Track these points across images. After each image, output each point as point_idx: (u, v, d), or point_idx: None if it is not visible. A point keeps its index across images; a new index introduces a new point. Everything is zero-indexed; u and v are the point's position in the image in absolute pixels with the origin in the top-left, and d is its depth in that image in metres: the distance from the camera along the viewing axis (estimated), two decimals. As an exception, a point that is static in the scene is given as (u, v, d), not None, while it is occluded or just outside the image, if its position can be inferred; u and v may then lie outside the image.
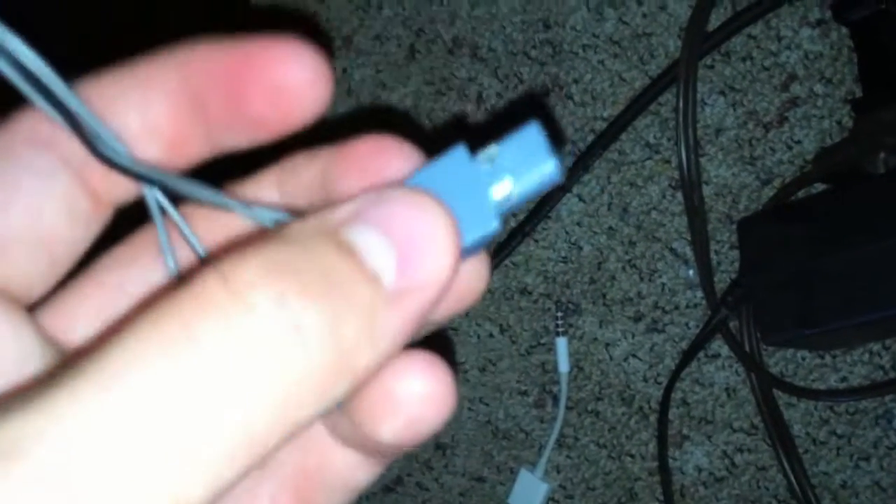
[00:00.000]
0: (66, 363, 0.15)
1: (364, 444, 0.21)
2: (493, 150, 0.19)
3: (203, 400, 0.14)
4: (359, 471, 0.22)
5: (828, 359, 0.58)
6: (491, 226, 0.19)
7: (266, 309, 0.15)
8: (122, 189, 0.20)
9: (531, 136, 0.19)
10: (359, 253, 0.17)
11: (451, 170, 0.19)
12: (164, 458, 0.14)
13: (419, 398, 0.19)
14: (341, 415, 0.21)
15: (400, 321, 0.17)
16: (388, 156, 0.20)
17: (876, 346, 0.56)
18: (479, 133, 0.62)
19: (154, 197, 0.20)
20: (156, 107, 0.19)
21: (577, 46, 0.61)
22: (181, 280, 0.20)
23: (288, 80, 0.19)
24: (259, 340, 0.15)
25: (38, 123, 0.19)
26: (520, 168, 0.19)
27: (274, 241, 0.16)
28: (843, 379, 0.57)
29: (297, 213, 0.20)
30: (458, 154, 0.19)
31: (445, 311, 0.21)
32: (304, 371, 0.15)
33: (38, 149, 0.19)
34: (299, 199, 0.21)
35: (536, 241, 0.63)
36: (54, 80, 0.17)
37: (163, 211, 0.20)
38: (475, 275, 0.21)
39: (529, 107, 0.62)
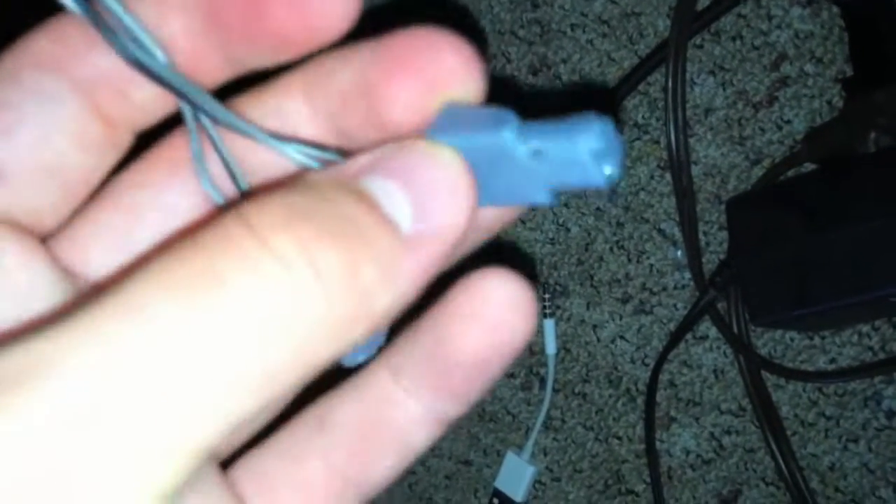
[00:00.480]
0: (85, 296, 0.15)
1: (438, 379, 0.21)
2: (541, 142, 0.18)
3: (225, 338, 0.15)
4: (420, 428, 0.22)
5: (817, 340, 0.57)
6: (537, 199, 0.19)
7: (288, 254, 0.15)
8: (139, 113, 0.20)
9: (588, 140, 0.18)
10: (376, 201, 0.17)
11: (488, 145, 0.18)
12: (183, 393, 0.14)
13: (501, 304, 0.20)
14: (411, 354, 0.21)
15: (417, 265, 0.17)
16: (440, 53, 0.19)
17: (865, 328, 0.56)
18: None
19: (191, 110, 0.19)
20: (171, 22, 0.19)
21: (566, 26, 0.60)
22: (207, 209, 0.20)
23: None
24: (281, 284, 0.15)
25: (46, 45, 0.19)
26: (563, 169, 0.18)
27: (294, 188, 0.17)
28: (832, 360, 0.57)
29: (336, 152, 0.20)
30: (504, 132, 0.18)
31: (472, 241, 0.21)
32: (323, 314, 0.16)
33: (44, 72, 0.19)
34: (333, 108, 0.20)
35: (523, 222, 0.62)
36: None
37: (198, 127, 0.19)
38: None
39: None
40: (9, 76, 0.18)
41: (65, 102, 0.19)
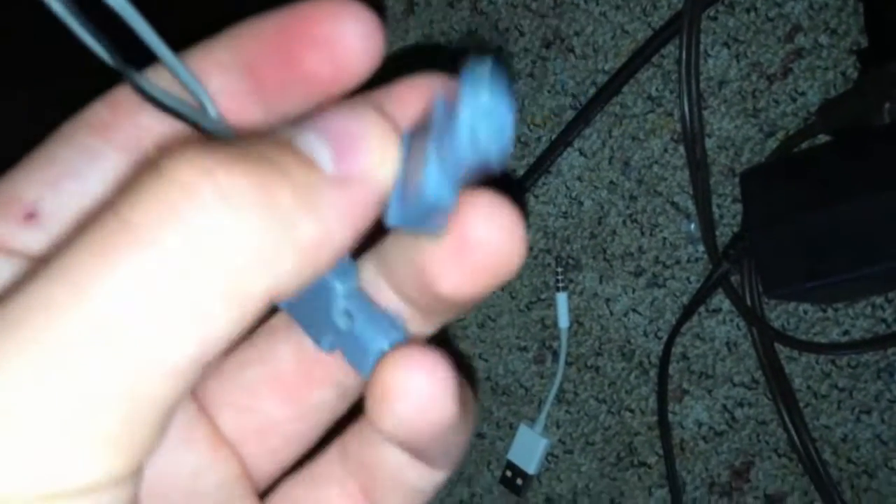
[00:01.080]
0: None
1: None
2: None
3: (148, 284, 0.15)
4: (409, 469, 0.22)
5: (830, 312, 0.57)
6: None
7: (190, 180, 0.16)
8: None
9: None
10: (296, 145, 0.17)
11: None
12: (129, 344, 0.15)
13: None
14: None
15: (345, 202, 0.17)
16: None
17: (878, 300, 0.56)
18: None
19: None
20: (210, 80, 0.20)
21: (579, -2, 0.60)
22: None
23: (337, 32, 0.20)
24: (189, 212, 0.15)
25: (100, 111, 0.21)
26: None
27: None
28: (845, 332, 0.57)
29: None
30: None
31: (484, 284, 0.21)
32: (238, 239, 0.16)
33: (92, 133, 0.21)
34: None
35: (536, 196, 0.62)
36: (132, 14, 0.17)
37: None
38: (509, 248, 0.20)
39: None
40: (63, 137, 0.21)
41: (109, 159, 0.21)
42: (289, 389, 0.24)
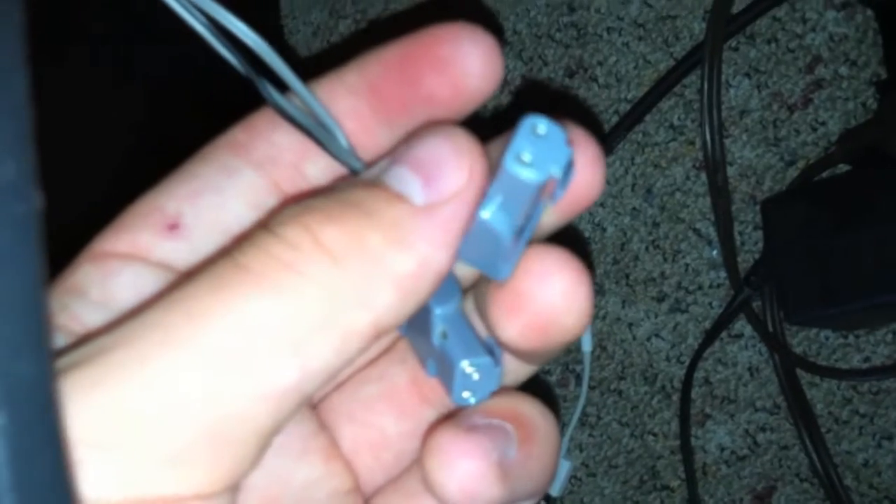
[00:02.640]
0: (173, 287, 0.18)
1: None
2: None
3: (258, 319, 0.17)
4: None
5: (851, 339, 0.58)
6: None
7: (295, 237, 0.18)
8: (305, 184, 0.23)
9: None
10: (386, 185, 0.19)
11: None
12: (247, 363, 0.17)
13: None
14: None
15: (435, 228, 0.19)
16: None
17: (899, 326, 0.56)
18: (501, 117, 0.63)
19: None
20: (340, 104, 0.22)
21: (602, 29, 0.61)
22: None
23: (456, 55, 0.21)
24: (293, 262, 0.18)
25: (237, 133, 0.22)
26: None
27: (317, 194, 0.19)
28: (866, 359, 0.58)
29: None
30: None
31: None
32: (336, 281, 0.18)
33: (230, 152, 0.22)
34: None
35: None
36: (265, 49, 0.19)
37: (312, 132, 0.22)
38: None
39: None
40: (203, 157, 0.22)
41: (244, 176, 0.22)
42: (403, 407, 0.25)
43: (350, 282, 0.18)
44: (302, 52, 0.65)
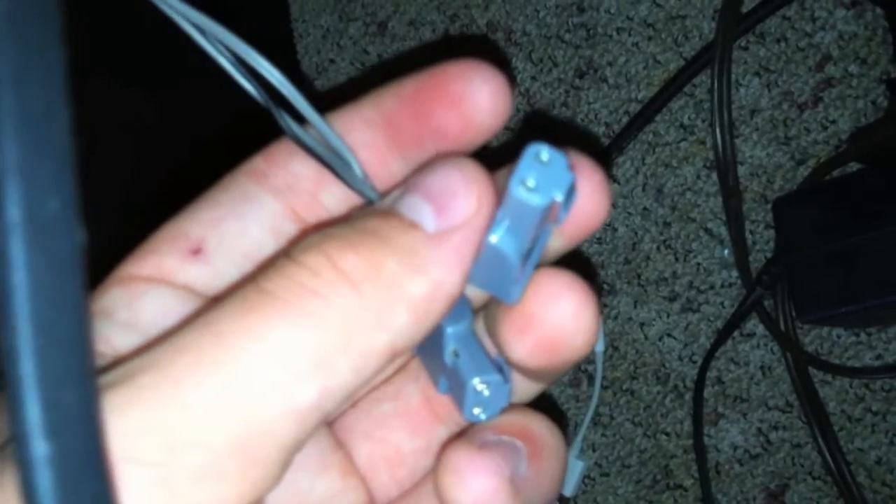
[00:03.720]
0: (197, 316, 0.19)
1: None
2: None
3: (282, 342, 0.18)
4: None
5: (863, 337, 0.58)
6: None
7: (316, 265, 0.19)
8: (326, 213, 0.24)
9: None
10: (400, 213, 0.20)
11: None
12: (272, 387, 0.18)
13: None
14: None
15: (447, 253, 0.20)
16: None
17: (911, 324, 0.56)
18: (511, 115, 0.63)
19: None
20: (357, 133, 0.23)
21: (612, 29, 0.61)
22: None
23: (467, 91, 0.22)
24: (315, 288, 0.18)
25: (258, 162, 0.24)
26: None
27: (335, 223, 0.20)
28: (879, 357, 0.58)
29: None
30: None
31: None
32: (356, 304, 0.19)
33: (250, 180, 0.23)
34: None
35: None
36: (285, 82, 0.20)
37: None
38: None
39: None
40: (224, 185, 0.24)
41: (263, 203, 0.23)
42: (416, 424, 0.26)
43: (368, 306, 0.19)
44: (312, 56, 0.65)
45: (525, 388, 0.25)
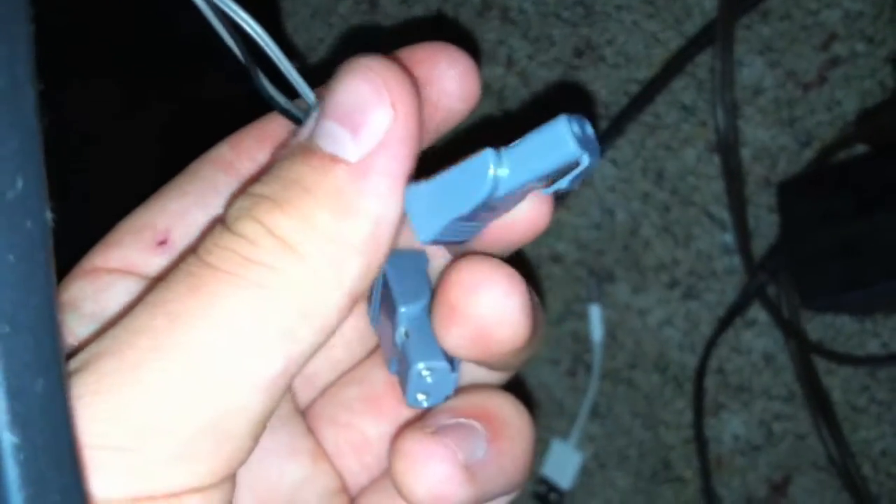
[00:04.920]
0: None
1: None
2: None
3: (235, 314, 0.18)
4: None
5: (868, 324, 0.57)
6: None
7: (249, 232, 0.18)
8: None
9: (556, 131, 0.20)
10: (318, 148, 0.19)
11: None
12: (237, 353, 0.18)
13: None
14: None
15: (376, 181, 0.19)
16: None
17: (919, 311, 0.55)
18: (507, 96, 0.61)
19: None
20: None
21: (611, 7, 0.60)
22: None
23: (432, 76, 0.22)
24: (259, 259, 0.18)
25: (225, 151, 0.23)
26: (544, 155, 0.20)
27: (263, 176, 0.20)
28: (884, 345, 0.56)
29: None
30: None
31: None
32: (304, 269, 0.18)
33: (217, 169, 0.23)
34: None
35: (569, 207, 0.61)
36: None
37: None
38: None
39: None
40: (190, 174, 0.23)
41: (231, 192, 0.23)
42: (380, 408, 0.26)
43: (314, 265, 0.18)
44: (301, 35, 0.63)
45: (486, 375, 0.25)
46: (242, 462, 0.18)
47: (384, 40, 0.63)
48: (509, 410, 0.23)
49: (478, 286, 0.21)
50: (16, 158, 0.13)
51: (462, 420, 0.22)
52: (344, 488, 0.25)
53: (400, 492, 0.22)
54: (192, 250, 0.19)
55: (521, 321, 0.21)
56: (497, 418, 0.23)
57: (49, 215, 0.14)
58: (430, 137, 0.22)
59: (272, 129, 0.23)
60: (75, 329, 0.21)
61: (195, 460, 0.18)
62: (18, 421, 0.14)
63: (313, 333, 0.19)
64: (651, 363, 0.60)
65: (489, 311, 0.21)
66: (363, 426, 0.25)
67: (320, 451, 0.25)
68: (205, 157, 0.23)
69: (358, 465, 0.25)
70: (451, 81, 0.22)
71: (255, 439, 0.19)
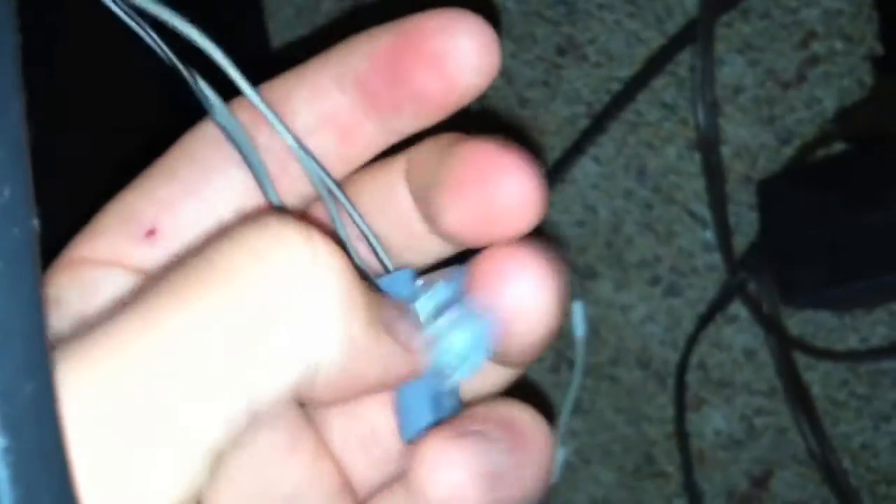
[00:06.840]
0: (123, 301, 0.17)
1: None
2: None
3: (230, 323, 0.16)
4: None
5: (848, 320, 0.57)
6: None
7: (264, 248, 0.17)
8: (298, 185, 0.22)
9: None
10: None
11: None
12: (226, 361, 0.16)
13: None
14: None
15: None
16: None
17: (897, 307, 0.56)
18: (489, 94, 0.61)
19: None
20: (325, 99, 0.21)
21: (592, 6, 0.60)
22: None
23: (448, 47, 0.19)
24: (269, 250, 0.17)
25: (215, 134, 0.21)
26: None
27: None
28: (864, 340, 0.57)
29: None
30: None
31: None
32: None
33: (213, 148, 0.21)
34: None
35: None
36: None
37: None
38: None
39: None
40: (183, 152, 0.21)
41: (226, 176, 0.21)
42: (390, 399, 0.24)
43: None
44: (284, 34, 0.63)
45: (498, 375, 0.24)
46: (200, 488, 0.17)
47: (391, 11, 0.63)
48: (531, 422, 0.22)
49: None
50: (2, 168, 0.13)
51: (484, 428, 0.22)
52: (348, 485, 0.24)
53: (416, 497, 0.21)
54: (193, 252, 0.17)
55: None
56: (518, 429, 0.22)
57: (35, 222, 0.14)
58: (441, 116, 0.21)
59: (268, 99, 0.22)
60: (61, 326, 0.20)
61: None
62: (8, 424, 0.13)
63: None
64: (633, 359, 0.61)
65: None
66: (372, 417, 0.24)
67: (322, 449, 0.24)
68: (197, 134, 0.21)
69: (367, 461, 0.24)
70: (469, 54, 0.19)
71: (218, 460, 0.17)
